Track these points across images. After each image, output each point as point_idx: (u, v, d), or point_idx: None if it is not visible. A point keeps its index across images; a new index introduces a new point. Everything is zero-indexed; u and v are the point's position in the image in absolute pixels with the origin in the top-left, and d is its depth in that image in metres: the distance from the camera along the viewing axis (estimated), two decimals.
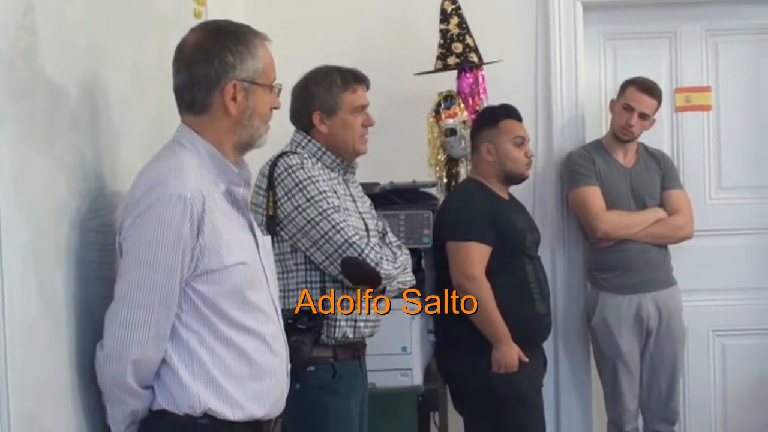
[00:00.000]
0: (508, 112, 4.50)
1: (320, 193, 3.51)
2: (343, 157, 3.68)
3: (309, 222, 3.50)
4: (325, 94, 3.65)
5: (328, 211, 3.50)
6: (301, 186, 3.51)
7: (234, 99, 2.64)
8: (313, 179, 3.53)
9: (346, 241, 3.49)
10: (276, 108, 2.77)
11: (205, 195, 2.55)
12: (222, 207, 2.63)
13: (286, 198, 3.52)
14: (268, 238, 3.14)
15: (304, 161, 3.57)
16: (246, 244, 2.68)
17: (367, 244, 3.52)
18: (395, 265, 3.59)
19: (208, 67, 2.63)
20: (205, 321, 2.57)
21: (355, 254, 3.50)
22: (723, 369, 5.35)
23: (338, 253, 3.49)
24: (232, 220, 2.67)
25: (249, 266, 2.64)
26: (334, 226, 3.49)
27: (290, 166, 3.54)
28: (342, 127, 3.66)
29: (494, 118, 4.48)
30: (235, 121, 2.67)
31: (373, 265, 3.51)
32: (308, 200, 3.50)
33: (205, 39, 2.66)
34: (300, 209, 3.51)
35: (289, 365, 2.79)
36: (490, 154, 4.45)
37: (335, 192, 3.58)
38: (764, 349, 5.35)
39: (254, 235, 2.75)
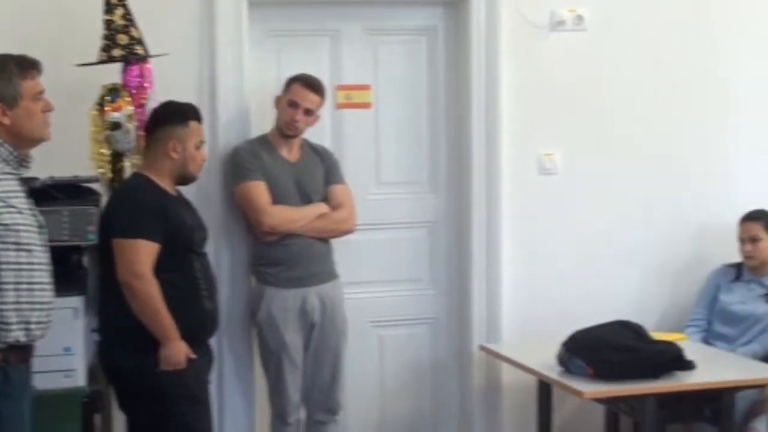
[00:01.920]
0: (195, 113, 4.47)
1: None
2: (25, 147, 3.56)
3: None
4: (6, 84, 3.50)
5: None
6: None
7: None
8: None
9: None
10: None
11: None
12: None
13: None
14: None
15: None
16: None
17: None
18: None
19: None
20: None
21: None
22: (381, 359, 5.53)
23: None
24: None
25: None
26: None
27: None
28: (26, 116, 3.55)
29: (184, 117, 4.42)
30: None
31: None
32: None
33: None
34: None
35: None
36: (176, 152, 4.38)
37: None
38: (418, 338, 5.58)
39: None
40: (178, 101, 4.53)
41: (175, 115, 4.44)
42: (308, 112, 4.91)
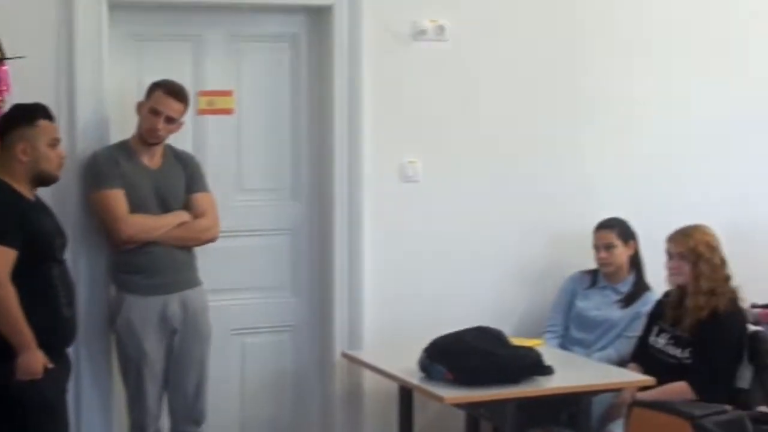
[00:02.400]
0: (44, 112, 4.37)
1: None
2: None
3: None
4: None
5: None
6: None
7: None
8: None
9: None
10: None
11: None
12: None
13: None
14: None
15: None
16: None
17: None
18: None
19: None
20: None
21: None
22: (242, 367, 5.49)
23: None
24: None
25: None
26: None
27: None
28: None
29: (31, 117, 4.33)
30: None
31: None
32: None
33: None
34: None
35: None
36: (26, 154, 4.28)
37: None
38: (280, 345, 5.56)
39: None
40: (26, 103, 4.43)
41: (23, 117, 4.35)
42: (170, 120, 4.85)
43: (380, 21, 5.44)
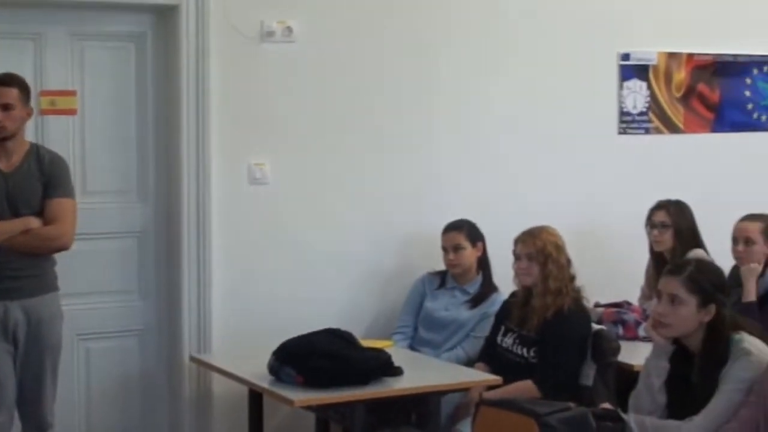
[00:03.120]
0: None
1: None
2: None
3: None
4: None
5: None
6: None
7: None
8: None
9: None
10: None
11: None
12: None
13: None
14: None
15: None
16: None
17: None
18: None
19: None
20: None
21: None
22: (87, 372, 5.40)
23: None
24: None
25: None
26: None
27: None
28: None
29: None
30: None
31: None
32: None
33: None
34: None
35: None
36: None
37: None
38: (127, 350, 5.48)
39: None
40: None
41: None
42: (7, 107, 4.68)
43: (228, 22, 5.39)
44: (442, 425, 4.87)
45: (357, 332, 5.02)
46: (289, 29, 5.52)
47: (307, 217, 5.63)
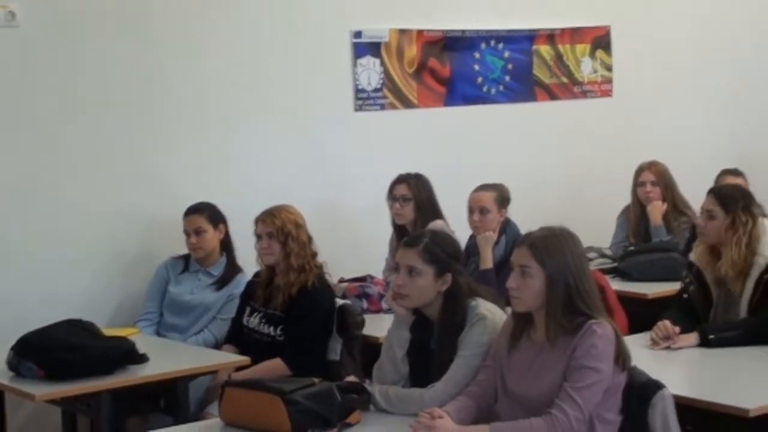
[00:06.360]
0: None
1: None
2: None
3: None
4: None
5: None
6: None
7: None
8: None
9: None
10: None
11: None
12: None
13: None
14: None
15: None
16: None
17: None
18: None
19: None
20: None
21: None
22: None
23: None
24: None
25: None
26: None
27: None
28: None
29: None
30: None
31: None
32: None
33: None
34: None
35: None
36: None
37: None
38: None
39: None
40: None
41: None
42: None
43: None
44: (192, 410, 4.84)
45: (100, 322, 4.94)
46: (12, 14, 5.34)
47: (42, 204, 5.47)
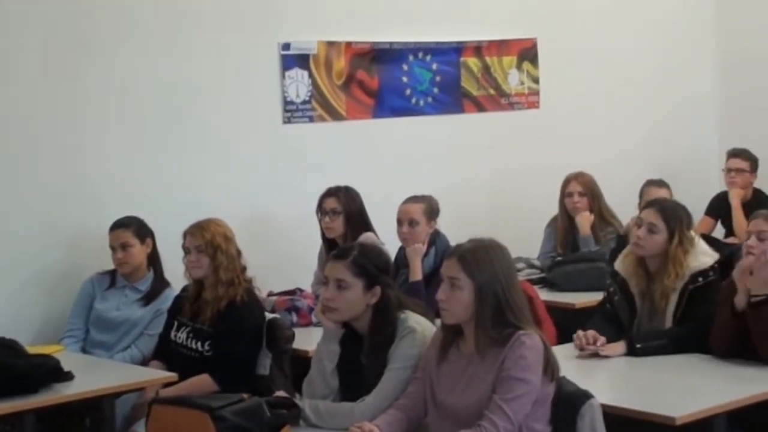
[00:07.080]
0: None
1: None
2: None
3: None
4: None
5: None
6: None
7: None
8: None
9: None
10: None
11: None
12: None
13: None
14: None
15: None
16: None
17: None
18: None
19: None
20: None
21: None
22: None
23: None
24: None
25: None
26: None
27: None
28: None
29: None
30: None
31: None
32: None
33: None
34: None
35: None
36: None
37: None
38: None
39: None
40: None
41: None
42: None
43: None
44: (118, 427, 4.77)
45: (24, 339, 4.84)
46: None
47: None
